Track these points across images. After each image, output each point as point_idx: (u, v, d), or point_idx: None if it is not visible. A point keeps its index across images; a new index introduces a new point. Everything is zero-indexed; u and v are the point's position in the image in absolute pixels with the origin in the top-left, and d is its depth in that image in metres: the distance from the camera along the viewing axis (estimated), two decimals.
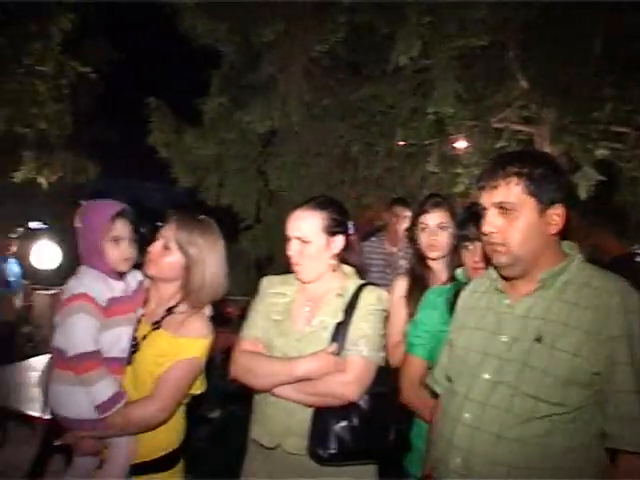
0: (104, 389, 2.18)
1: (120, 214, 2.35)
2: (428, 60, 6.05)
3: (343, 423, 2.33)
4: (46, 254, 6.91)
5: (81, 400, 2.21)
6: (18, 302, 6.83)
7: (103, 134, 11.52)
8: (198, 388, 2.45)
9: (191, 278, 2.39)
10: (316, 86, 6.99)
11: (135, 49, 10.76)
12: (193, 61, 8.09)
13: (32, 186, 10.57)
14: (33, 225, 11.76)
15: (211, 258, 2.42)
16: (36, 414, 3.44)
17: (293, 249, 2.48)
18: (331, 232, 2.49)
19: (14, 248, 6.93)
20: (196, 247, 2.39)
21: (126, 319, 2.33)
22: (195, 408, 2.56)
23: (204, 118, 7.66)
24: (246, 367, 2.46)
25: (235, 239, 8.12)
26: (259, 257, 7.89)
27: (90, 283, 2.25)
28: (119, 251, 2.34)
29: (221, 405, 4.10)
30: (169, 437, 2.41)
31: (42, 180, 10.44)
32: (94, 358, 2.18)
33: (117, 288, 2.32)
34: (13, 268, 6.91)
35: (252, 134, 7.52)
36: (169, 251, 2.38)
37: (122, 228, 2.35)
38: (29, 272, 7.66)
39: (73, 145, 10.74)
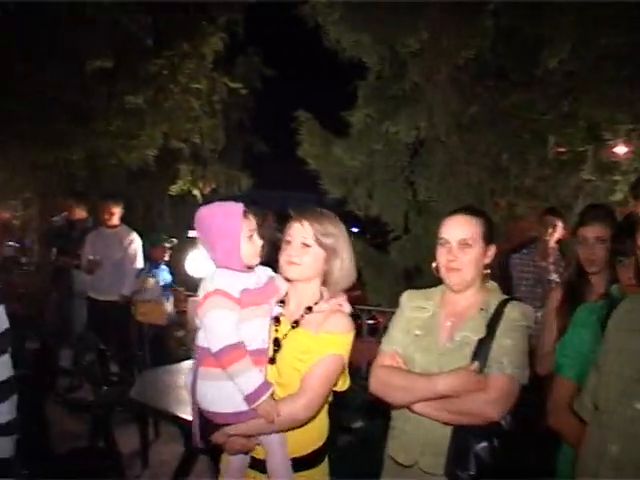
0: (251, 379, 2.19)
1: (246, 210, 2.37)
2: (577, 62, 5.79)
3: (483, 444, 2.24)
4: (200, 262, 7.19)
5: (230, 394, 2.22)
6: (170, 307, 7.17)
7: (254, 147, 11.86)
8: (342, 385, 2.43)
9: (331, 269, 2.40)
10: (463, 94, 6.85)
11: (284, 64, 11.02)
12: (340, 73, 8.19)
13: (188, 198, 11.03)
14: (191, 234, 12.30)
15: (345, 245, 2.42)
16: (184, 416, 3.56)
17: (454, 254, 2.44)
18: (488, 240, 2.46)
19: (167, 256, 7.29)
20: (332, 237, 2.38)
21: (262, 310, 2.33)
22: (338, 416, 2.55)
23: (351, 130, 7.71)
24: (385, 381, 2.43)
25: (384, 250, 8.11)
26: (407, 268, 7.81)
27: (223, 280, 2.28)
28: (253, 246, 2.36)
29: (364, 416, 4.08)
30: (317, 433, 2.42)
31: (196, 192, 10.89)
32: (238, 349, 2.19)
33: (251, 281, 2.33)
34: (165, 275, 7.26)
35: (399, 144, 7.48)
36: (308, 248, 2.37)
37: (253, 223, 2.37)
38: (184, 279, 8.01)
39: (226, 158, 11.13)
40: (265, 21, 10.05)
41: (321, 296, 2.43)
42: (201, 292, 2.31)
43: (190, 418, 2.42)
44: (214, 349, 2.20)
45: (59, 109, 9.11)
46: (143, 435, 5.10)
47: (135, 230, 7.26)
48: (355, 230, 10.48)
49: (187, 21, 9.25)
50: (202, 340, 2.29)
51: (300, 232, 2.38)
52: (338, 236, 2.40)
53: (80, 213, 7.52)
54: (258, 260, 2.40)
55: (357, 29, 6.88)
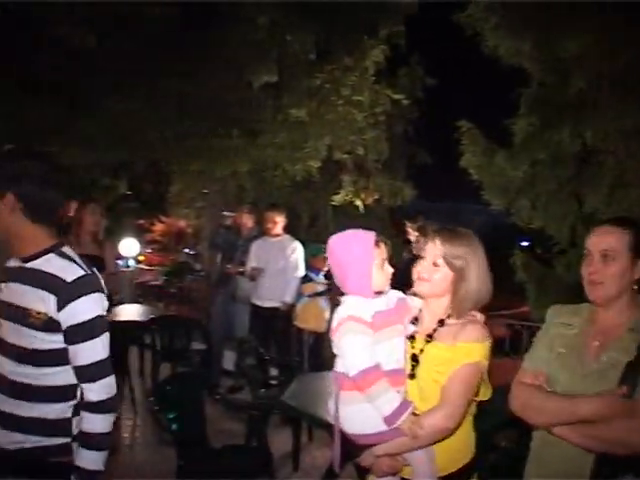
0: (390, 400, 2.20)
1: (378, 238, 2.37)
2: None
3: (628, 476, 2.10)
4: None
5: (371, 415, 2.24)
6: (328, 315, 7.32)
7: (418, 158, 11.85)
8: (484, 394, 2.39)
9: (457, 290, 2.37)
10: (630, 99, 6.47)
11: (445, 73, 10.94)
12: (501, 81, 8.04)
13: (350, 208, 11.21)
14: None
15: (475, 267, 2.38)
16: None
17: (595, 265, 2.33)
18: (637, 253, 2.31)
19: (327, 267, 7.44)
20: (462, 259, 2.35)
21: (394, 330, 2.34)
22: (487, 433, 2.49)
23: (514, 139, 7.53)
24: (524, 401, 2.35)
25: (549, 264, 7.85)
26: (573, 284, 7.49)
27: (354, 306, 2.31)
28: (384, 274, 2.37)
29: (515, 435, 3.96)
30: (465, 448, 2.39)
31: (359, 203, 11.04)
32: (374, 372, 2.21)
33: (381, 303, 2.35)
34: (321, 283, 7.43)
35: (564, 153, 7.20)
36: (438, 268, 2.37)
37: (384, 251, 2.39)
38: None
39: (389, 169, 11.20)
40: (425, 30, 10.01)
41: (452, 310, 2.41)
42: (335, 320, 2.35)
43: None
44: (351, 373, 2.23)
45: (229, 124, 9.57)
46: (296, 438, 5.23)
47: (298, 239, 7.47)
48: (525, 244, 10.19)
49: (348, 35, 9.43)
50: (339, 366, 2.33)
51: (432, 250, 2.37)
52: (469, 259, 2.36)
53: (247, 222, 7.84)
54: (388, 287, 2.41)
55: (515, 34, 6.71)
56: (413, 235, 6.28)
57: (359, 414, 2.28)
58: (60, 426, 2.30)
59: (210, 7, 8.75)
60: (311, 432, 5.72)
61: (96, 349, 2.29)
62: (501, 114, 7.70)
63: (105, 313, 2.33)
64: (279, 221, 7.27)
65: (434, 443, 2.28)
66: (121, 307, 7.58)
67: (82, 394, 2.32)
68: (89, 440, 2.27)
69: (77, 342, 2.25)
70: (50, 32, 9.28)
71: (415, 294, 2.46)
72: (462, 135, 8.01)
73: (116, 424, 2.41)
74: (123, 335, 6.45)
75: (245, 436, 5.01)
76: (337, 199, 11.00)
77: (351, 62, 9.59)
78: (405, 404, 2.22)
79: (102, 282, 2.39)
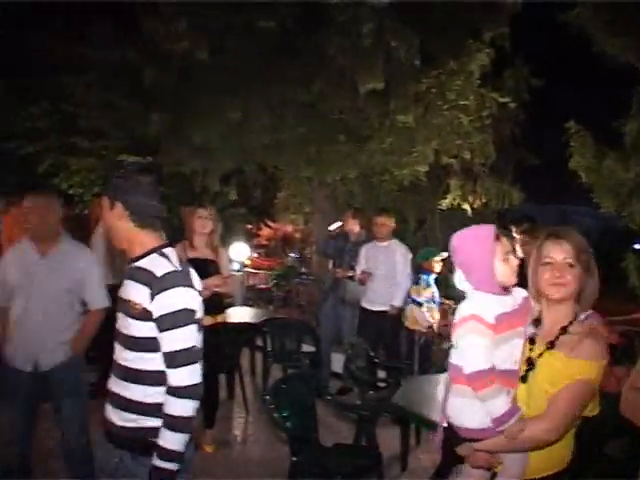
0: (500, 405, 2.25)
1: (498, 232, 2.42)
2: None
3: None
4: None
5: (477, 412, 2.30)
6: (437, 318, 7.33)
7: (525, 160, 11.66)
8: (592, 410, 2.38)
9: (585, 286, 2.40)
10: None
11: (552, 74, 10.70)
12: (610, 81, 7.83)
13: (457, 212, 11.16)
14: None
15: (594, 262, 2.43)
16: (444, 426, 3.65)
17: None
18: None
19: (438, 269, 7.46)
20: (587, 254, 2.40)
21: (517, 332, 2.37)
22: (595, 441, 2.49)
23: (625, 140, 7.33)
24: (634, 404, 2.34)
25: None
26: None
27: (480, 304, 2.35)
28: (509, 267, 2.40)
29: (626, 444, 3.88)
30: (559, 457, 2.39)
31: (466, 206, 10.97)
32: (488, 376, 2.26)
33: (507, 303, 2.38)
34: (434, 287, 7.44)
35: None
36: (572, 268, 2.39)
37: (507, 244, 2.42)
38: (451, 293, 8.14)
39: (496, 172, 11.08)
40: (530, 30, 9.84)
41: (575, 316, 2.41)
42: (457, 314, 2.42)
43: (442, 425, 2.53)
44: (466, 371, 2.30)
45: (338, 130, 9.74)
46: (404, 440, 5.29)
47: (405, 244, 7.53)
48: (638, 247, 9.87)
49: (453, 40, 9.40)
50: (455, 358, 2.40)
51: (560, 252, 2.39)
52: (590, 253, 2.40)
53: (354, 227, 7.95)
54: (514, 281, 2.44)
55: (626, 32, 6.53)
56: (518, 239, 6.21)
57: (467, 409, 2.33)
58: (155, 408, 2.50)
59: (318, 16, 8.94)
60: (419, 434, 5.76)
61: (179, 338, 2.47)
62: (610, 114, 7.50)
63: (192, 307, 2.52)
64: (388, 225, 7.34)
65: (530, 451, 2.32)
66: (233, 309, 7.86)
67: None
68: (169, 421, 2.45)
69: (164, 330, 2.47)
70: (162, 46, 9.75)
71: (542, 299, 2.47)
72: (570, 137, 7.85)
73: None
74: (236, 336, 6.71)
75: (354, 436, 5.12)
76: (444, 203, 10.98)
77: (456, 66, 9.56)
78: (514, 409, 2.26)
79: (193, 279, 2.60)
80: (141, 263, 2.55)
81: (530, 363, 2.37)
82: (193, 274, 2.63)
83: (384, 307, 7.16)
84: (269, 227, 17.81)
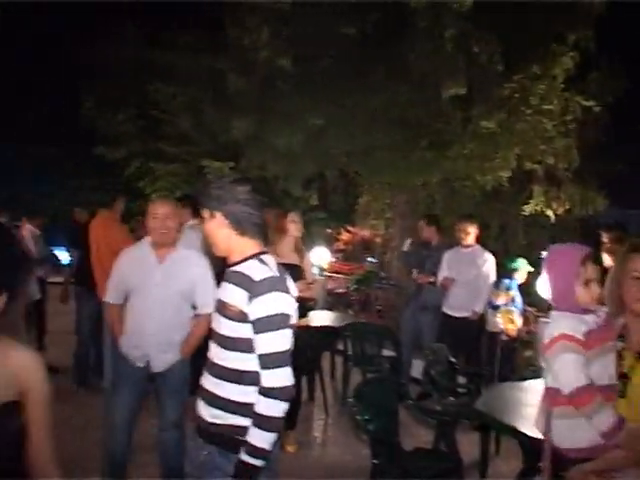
0: (605, 418, 2.26)
1: (589, 257, 2.41)
2: None
3: None
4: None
5: (586, 430, 2.32)
6: (519, 324, 7.27)
7: (610, 165, 11.36)
8: None
9: None
10: None
11: (638, 76, 10.36)
12: None
13: (540, 218, 10.98)
14: (543, 255, 12.21)
15: None
16: (527, 432, 3.64)
17: None
18: None
19: (523, 278, 7.41)
20: None
21: (607, 347, 2.37)
22: None
23: None
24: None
25: None
26: None
27: (565, 323, 2.36)
28: (589, 293, 2.40)
29: None
30: None
31: (550, 213, 10.78)
32: (589, 390, 2.27)
33: (589, 321, 2.38)
34: (517, 294, 7.39)
35: None
36: None
37: (592, 271, 2.41)
38: (534, 300, 8.06)
39: (580, 178, 10.85)
40: (615, 32, 9.57)
41: None
42: (545, 337, 2.42)
43: (532, 434, 2.53)
44: (566, 391, 2.31)
45: (420, 136, 9.75)
46: (484, 447, 5.26)
47: (488, 250, 7.49)
48: None
49: (536, 44, 9.27)
50: (550, 381, 2.41)
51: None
52: None
53: (430, 233, 7.95)
54: (594, 306, 2.44)
55: None
56: (608, 246, 6.08)
57: (573, 428, 2.35)
58: (244, 407, 2.61)
59: (400, 21, 8.99)
60: (498, 442, 5.73)
61: (274, 341, 2.57)
62: None
63: (287, 312, 2.61)
64: (471, 232, 7.32)
65: None
66: (314, 313, 7.97)
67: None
68: (259, 420, 2.54)
69: (259, 332, 2.57)
70: (246, 54, 9.99)
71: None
72: None
73: None
74: (318, 340, 6.81)
75: (433, 441, 5.14)
76: (527, 209, 10.82)
77: (540, 70, 9.43)
78: (621, 420, 2.26)
79: (289, 285, 2.70)
80: (240, 267, 2.66)
81: (624, 376, 2.37)
82: (289, 280, 2.72)
83: (466, 313, 7.15)
84: (349, 232, 17.90)
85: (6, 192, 17.61)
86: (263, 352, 2.57)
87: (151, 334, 4.30)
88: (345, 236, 18.09)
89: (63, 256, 9.89)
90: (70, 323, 8.00)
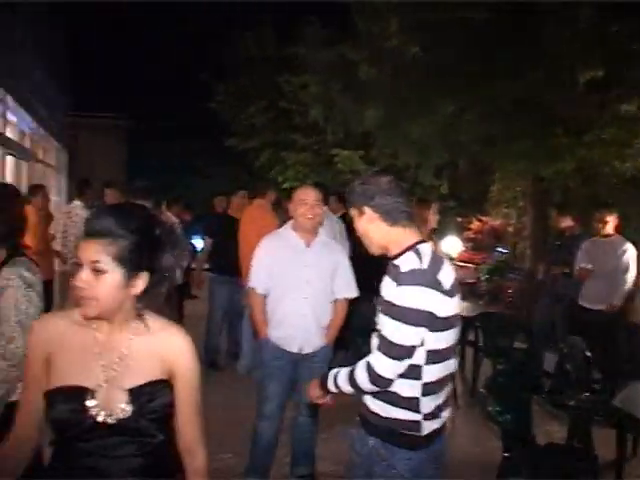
0: None
1: None
2: None
3: None
4: None
5: None
6: None
7: None
8: None
9: None
10: None
11: None
12: None
13: None
14: None
15: None
16: None
17: None
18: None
19: None
20: None
21: None
22: None
23: None
24: None
25: None
26: None
27: None
28: None
29: None
30: None
31: None
32: None
33: None
34: None
35: None
36: None
37: None
38: None
39: None
40: None
41: None
42: None
43: None
44: None
45: (555, 123, 9.44)
46: (620, 446, 5.06)
47: (629, 239, 7.19)
48: None
49: None
50: None
51: None
52: None
53: (565, 222, 7.70)
54: None
55: None
56: None
57: None
58: (407, 401, 2.63)
59: (531, 5, 8.71)
60: (636, 442, 5.50)
61: (394, 330, 2.56)
62: None
63: (425, 308, 2.55)
64: (610, 221, 7.07)
65: None
66: None
67: (429, 375, 2.64)
68: (351, 372, 2.69)
69: (387, 315, 2.59)
70: (375, 43, 10.00)
71: None
72: None
73: None
74: None
75: (567, 437, 5.01)
76: None
77: None
78: None
79: (441, 278, 2.62)
80: (398, 261, 2.66)
81: None
82: (445, 274, 2.65)
83: (602, 306, 6.90)
84: (480, 221, 17.63)
85: (154, 182, 18.66)
86: (386, 335, 2.58)
87: (303, 315, 4.41)
88: (475, 225, 17.82)
89: (198, 244, 10.35)
90: (204, 308, 8.37)
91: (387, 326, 2.57)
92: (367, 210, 2.73)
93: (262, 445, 4.54)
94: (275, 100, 16.49)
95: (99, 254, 1.87)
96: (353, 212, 2.81)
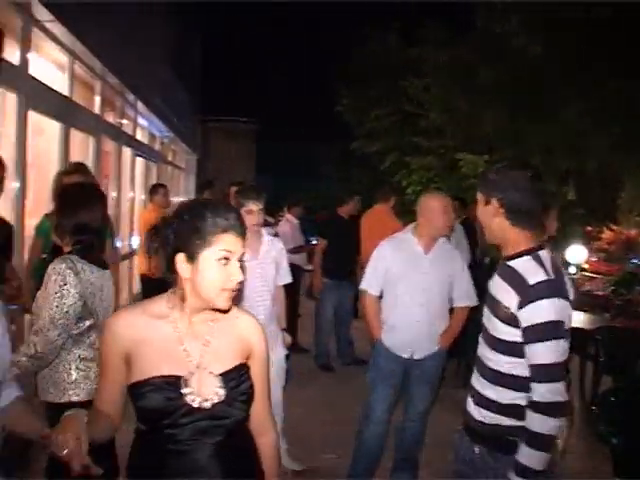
0: None
1: None
2: None
3: None
4: None
5: None
6: None
7: None
8: None
9: None
10: None
11: None
12: None
13: None
14: None
15: None
16: None
17: None
18: None
19: None
20: None
21: None
22: None
23: None
24: None
25: None
26: None
27: None
28: None
29: None
30: None
31: None
32: None
33: None
34: None
35: None
36: None
37: None
38: None
39: None
40: None
41: None
42: None
43: None
44: None
45: None
46: None
47: None
48: None
49: None
50: None
51: None
52: None
53: None
54: None
55: None
56: None
57: None
58: (514, 410, 2.51)
59: None
60: None
61: (542, 352, 2.40)
62: None
63: (562, 319, 2.41)
64: None
65: None
66: None
67: None
68: (528, 436, 2.41)
69: (528, 342, 2.43)
70: (496, 44, 9.72)
71: None
72: None
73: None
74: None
75: None
76: None
77: None
78: None
79: (567, 287, 2.49)
80: (514, 264, 2.54)
81: None
82: (568, 282, 2.54)
83: None
84: (611, 230, 16.77)
85: (279, 184, 19.18)
86: (534, 363, 2.43)
87: (418, 321, 4.36)
88: (607, 235, 16.98)
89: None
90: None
91: (539, 353, 2.41)
92: (494, 202, 2.59)
93: (367, 449, 4.51)
94: (400, 103, 16.40)
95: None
96: (479, 197, 2.68)
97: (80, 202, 3.20)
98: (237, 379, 2.06)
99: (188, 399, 1.98)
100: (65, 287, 2.96)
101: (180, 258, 1.98)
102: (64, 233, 3.18)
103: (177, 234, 1.98)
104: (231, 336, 2.13)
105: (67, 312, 2.96)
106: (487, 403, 2.57)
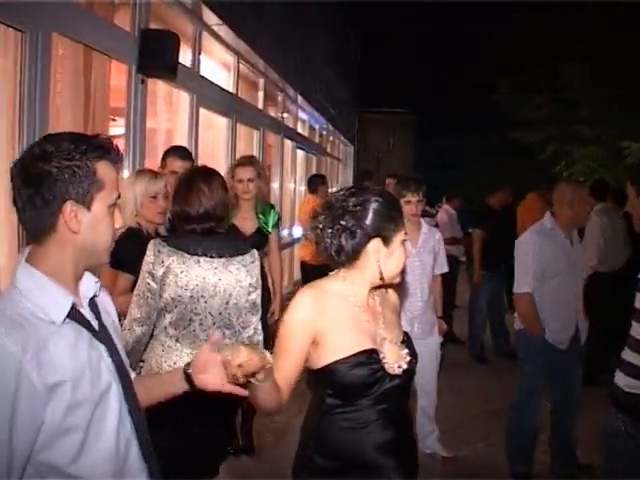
0: None
1: None
2: None
3: None
4: None
5: None
6: None
7: None
8: None
9: None
10: None
11: None
12: None
13: None
14: None
15: None
16: None
17: None
18: None
19: None
20: None
21: None
22: None
23: None
24: None
25: None
26: None
27: None
28: None
29: None
30: None
31: None
32: None
33: None
34: None
35: None
36: None
37: None
38: None
39: None
40: None
41: None
42: None
43: None
44: None
45: None
46: None
47: None
48: None
49: None
50: None
51: None
52: None
53: None
54: None
55: None
56: None
57: None
58: None
59: None
60: None
61: None
62: None
63: None
64: None
65: None
66: None
67: None
68: None
69: None
70: None
71: None
72: None
73: None
74: None
75: None
76: None
77: None
78: None
79: None
80: None
81: None
82: None
83: None
84: None
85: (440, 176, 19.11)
86: None
87: (573, 313, 4.39)
88: None
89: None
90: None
91: None
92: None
93: (521, 438, 4.49)
94: (560, 91, 15.77)
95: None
96: (630, 189, 2.68)
97: (182, 191, 3.08)
98: (409, 342, 2.25)
99: (388, 368, 2.11)
100: (153, 268, 2.99)
101: (376, 243, 2.11)
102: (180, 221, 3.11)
103: (372, 221, 2.09)
104: (390, 307, 2.31)
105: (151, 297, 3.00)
106: (637, 371, 2.57)
